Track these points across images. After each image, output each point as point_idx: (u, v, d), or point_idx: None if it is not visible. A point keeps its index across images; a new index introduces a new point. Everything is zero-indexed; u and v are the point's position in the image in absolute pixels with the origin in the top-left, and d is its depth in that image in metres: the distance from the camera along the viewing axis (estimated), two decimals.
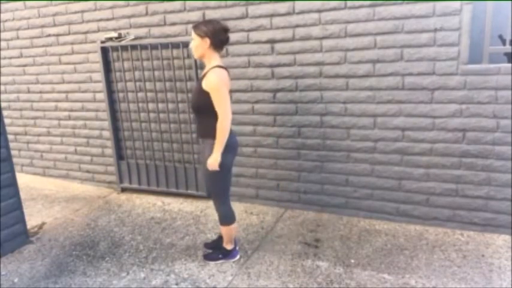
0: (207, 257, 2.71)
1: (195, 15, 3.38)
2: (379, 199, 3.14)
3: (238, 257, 2.72)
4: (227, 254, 2.69)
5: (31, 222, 3.41)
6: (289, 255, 2.74)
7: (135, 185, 4.01)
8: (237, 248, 2.75)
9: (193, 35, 2.37)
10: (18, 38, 4.31)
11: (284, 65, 3.18)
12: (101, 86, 3.92)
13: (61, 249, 2.98)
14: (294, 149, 3.32)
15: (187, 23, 3.43)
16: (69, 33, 4.00)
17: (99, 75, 3.90)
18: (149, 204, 3.73)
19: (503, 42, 2.93)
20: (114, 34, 3.65)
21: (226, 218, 2.58)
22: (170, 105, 3.68)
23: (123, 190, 4.10)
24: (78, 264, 2.76)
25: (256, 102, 3.35)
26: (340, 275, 2.48)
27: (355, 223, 3.13)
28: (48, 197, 4.03)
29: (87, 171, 4.33)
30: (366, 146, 3.09)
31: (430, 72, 2.80)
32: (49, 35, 4.11)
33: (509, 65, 2.62)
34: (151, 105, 3.76)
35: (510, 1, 2.65)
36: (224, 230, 2.63)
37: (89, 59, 3.95)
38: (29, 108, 4.50)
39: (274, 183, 3.47)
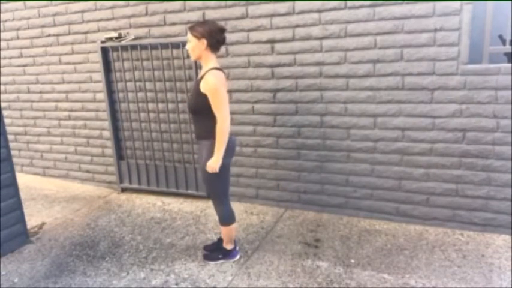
0: (207, 257, 2.71)
1: (195, 15, 3.38)
2: (379, 199, 3.14)
3: (238, 257, 2.72)
4: (227, 254, 2.69)
5: (31, 222, 3.41)
6: (289, 255, 2.74)
7: (135, 185, 4.01)
8: (237, 248, 2.76)
9: (190, 36, 2.35)
10: (18, 38, 4.31)
11: (284, 65, 3.18)
12: (101, 86, 3.92)
13: (61, 249, 2.98)
14: (294, 149, 3.32)
15: (187, 23, 3.43)
16: (69, 33, 4.00)
17: (99, 75, 3.90)
18: (149, 204, 3.73)
19: (503, 42, 2.93)
20: (114, 34, 3.65)
21: (226, 218, 2.58)
22: (170, 105, 3.68)
23: (123, 190, 4.10)
24: (78, 264, 2.76)
25: (256, 102, 3.35)
26: (340, 275, 2.48)
27: (355, 223, 3.13)
28: (48, 197, 4.03)
29: (87, 171, 4.33)
30: (366, 146, 3.09)
31: (430, 72, 2.80)
32: (49, 35, 4.11)
33: (509, 65, 2.62)
34: (151, 105, 3.76)
35: (510, 1, 2.65)
36: (224, 230, 2.63)
37: (89, 59, 3.95)
38: (29, 108, 4.50)
39: (274, 183, 3.47)
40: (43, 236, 3.21)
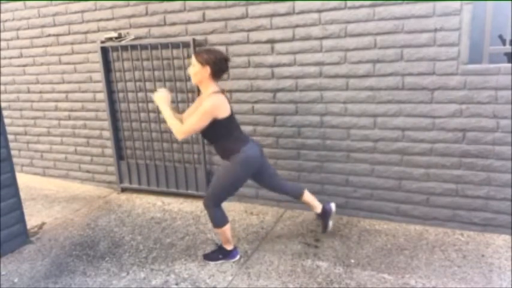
0: (207, 257, 2.72)
1: (195, 15, 3.38)
2: (379, 199, 3.14)
3: (238, 257, 2.72)
4: (227, 254, 2.69)
5: (31, 222, 3.41)
6: (289, 255, 2.74)
7: (135, 185, 4.01)
8: (237, 248, 2.75)
9: (194, 61, 2.41)
10: (18, 38, 4.31)
11: (284, 65, 3.18)
12: (101, 86, 3.92)
13: (61, 249, 2.98)
14: (294, 149, 3.32)
15: (187, 23, 3.43)
16: (69, 33, 4.00)
17: (99, 75, 3.91)
18: (149, 204, 3.73)
19: (503, 42, 2.93)
20: (114, 34, 3.65)
21: (217, 220, 2.57)
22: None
23: (123, 190, 4.10)
24: (78, 264, 2.76)
25: (256, 102, 3.35)
26: (340, 275, 2.48)
27: (355, 223, 3.13)
28: (48, 197, 4.03)
29: (87, 171, 4.33)
30: (366, 146, 3.09)
31: (430, 72, 2.80)
32: (49, 35, 4.11)
33: (509, 65, 2.62)
34: (151, 105, 3.76)
35: (510, 1, 2.65)
36: (219, 232, 2.63)
37: (89, 59, 3.95)
38: (29, 108, 4.50)
39: None
40: (43, 236, 3.21)
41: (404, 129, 2.95)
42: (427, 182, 2.97)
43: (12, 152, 4.15)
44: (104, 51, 3.79)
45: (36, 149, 4.61)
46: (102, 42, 3.75)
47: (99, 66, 3.86)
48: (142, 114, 3.83)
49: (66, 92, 4.19)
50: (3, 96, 4.60)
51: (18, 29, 4.28)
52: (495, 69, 2.65)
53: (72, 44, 4.01)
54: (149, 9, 3.56)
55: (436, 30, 2.72)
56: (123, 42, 3.65)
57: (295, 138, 3.30)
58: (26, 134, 4.62)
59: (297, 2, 3.03)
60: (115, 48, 3.75)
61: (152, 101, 3.73)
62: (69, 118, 4.27)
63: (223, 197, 2.55)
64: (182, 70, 3.53)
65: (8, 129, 4.58)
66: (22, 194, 3.19)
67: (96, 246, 3.00)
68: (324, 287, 2.38)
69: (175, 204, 3.70)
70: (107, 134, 4.07)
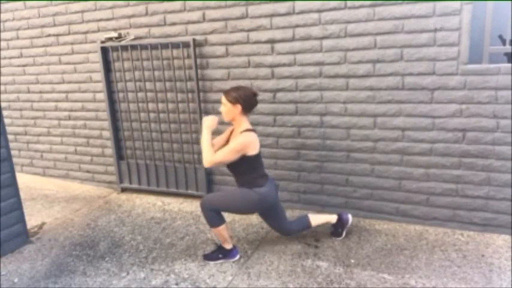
0: (207, 257, 2.72)
1: (195, 15, 3.38)
2: (379, 199, 3.14)
3: (238, 256, 2.72)
4: (227, 254, 2.69)
5: (31, 222, 3.41)
6: (289, 255, 2.74)
7: (135, 185, 4.01)
8: (237, 247, 2.75)
9: (224, 100, 2.50)
10: (18, 38, 4.31)
11: (284, 65, 3.18)
12: (101, 86, 3.92)
13: (61, 249, 2.98)
14: (294, 149, 3.32)
15: (187, 23, 3.43)
16: (69, 33, 4.00)
17: (99, 75, 3.91)
18: (149, 204, 3.73)
19: (503, 42, 2.93)
20: (114, 34, 3.65)
21: (211, 219, 2.56)
22: (170, 105, 3.68)
23: (123, 190, 4.10)
24: (78, 264, 2.76)
25: None
26: (340, 275, 2.48)
27: (355, 223, 3.13)
28: (48, 197, 4.03)
29: (87, 171, 4.33)
30: (366, 146, 3.09)
31: (430, 72, 2.80)
32: (49, 35, 4.11)
33: (509, 65, 2.62)
34: (151, 105, 3.77)
35: (510, 1, 2.65)
36: (216, 232, 2.63)
37: (89, 59, 3.96)
38: (29, 108, 4.50)
39: None
40: (43, 236, 3.21)
41: (404, 129, 2.95)
42: (427, 182, 2.97)
43: (12, 152, 4.16)
44: (104, 51, 3.79)
45: (36, 149, 4.61)
46: (102, 42, 3.75)
47: (99, 66, 3.86)
48: (142, 114, 3.83)
49: (66, 92, 4.19)
50: (3, 96, 4.60)
51: (18, 29, 4.28)
52: (495, 69, 2.65)
53: (72, 44, 4.01)
54: (149, 9, 3.56)
55: (436, 30, 2.72)
56: (123, 42, 3.65)
57: (295, 138, 3.30)
58: (26, 134, 4.62)
59: (297, 2, 3.03)
60: (115, 48, 3.75)
61: (152, 101, 3.74)
62: (69, 118, 4.27)
63: (220, 210, 2.57)
64: (182, 70, 3.53)
65: (8, 129, 4.58)
66: (22, 194, 3.19)
67: (96, 246, 3.00)
68: (324, 287, 2.38)
69: (175, 204, 3.70)
70: (107, 134, 4.07)
